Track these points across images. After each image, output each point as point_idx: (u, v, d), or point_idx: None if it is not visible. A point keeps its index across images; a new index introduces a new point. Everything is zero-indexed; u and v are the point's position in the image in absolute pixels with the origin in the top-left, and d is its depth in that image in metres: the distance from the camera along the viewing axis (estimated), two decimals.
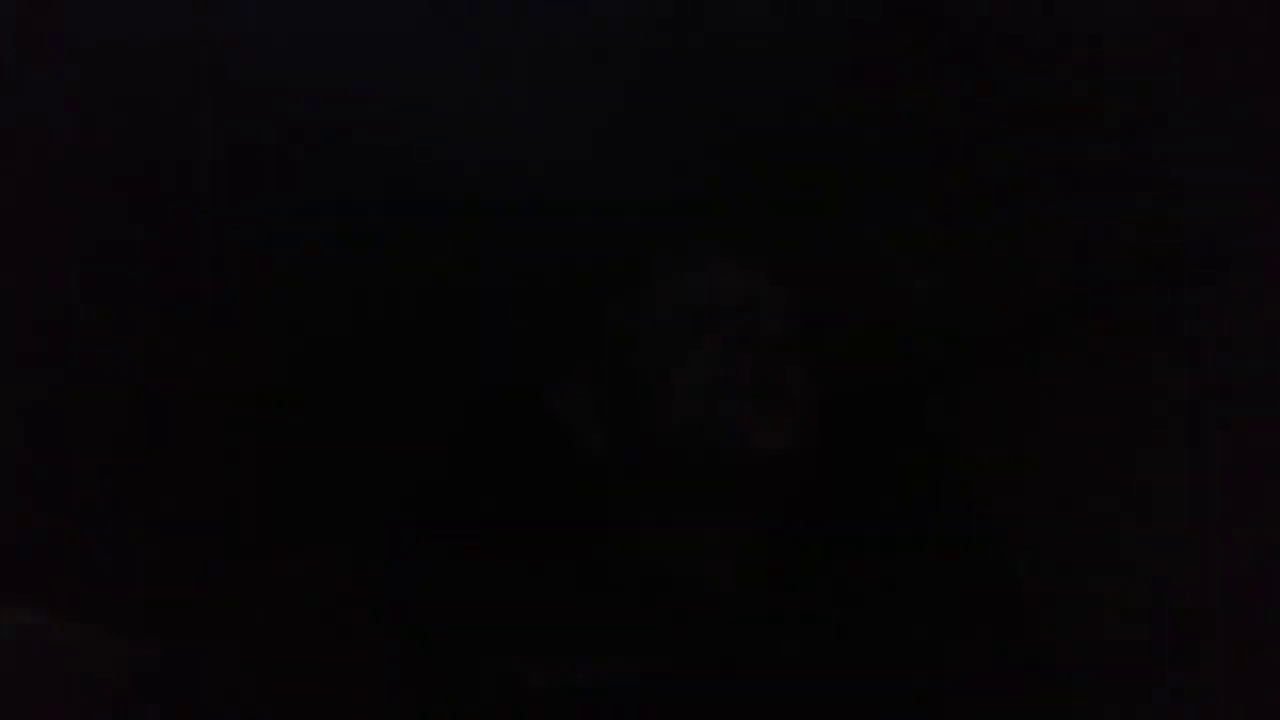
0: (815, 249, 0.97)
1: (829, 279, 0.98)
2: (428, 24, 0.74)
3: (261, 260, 0.90)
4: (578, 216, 0.90)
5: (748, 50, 0.79)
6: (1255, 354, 0.98)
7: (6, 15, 0.67)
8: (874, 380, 1.19)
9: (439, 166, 0.85)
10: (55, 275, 0.88)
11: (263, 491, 1.05)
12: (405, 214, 0.88)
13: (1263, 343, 0.97)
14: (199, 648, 0.65)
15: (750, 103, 0.84)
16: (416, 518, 0.80)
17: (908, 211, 0.96)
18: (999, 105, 0.84)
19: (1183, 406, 1.03)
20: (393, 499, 0.96)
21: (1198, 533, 0.97)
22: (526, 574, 0.60)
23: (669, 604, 0.63)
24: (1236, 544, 0.94)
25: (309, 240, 0.90)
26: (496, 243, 0.92)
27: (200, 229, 0.87)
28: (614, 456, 0.72)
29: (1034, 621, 0.99)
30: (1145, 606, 0.99)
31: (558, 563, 0.66)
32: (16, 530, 1.04)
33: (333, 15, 0.72)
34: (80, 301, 0.91)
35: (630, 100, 0.82)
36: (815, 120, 0.86)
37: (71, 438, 1.02)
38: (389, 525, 0.84)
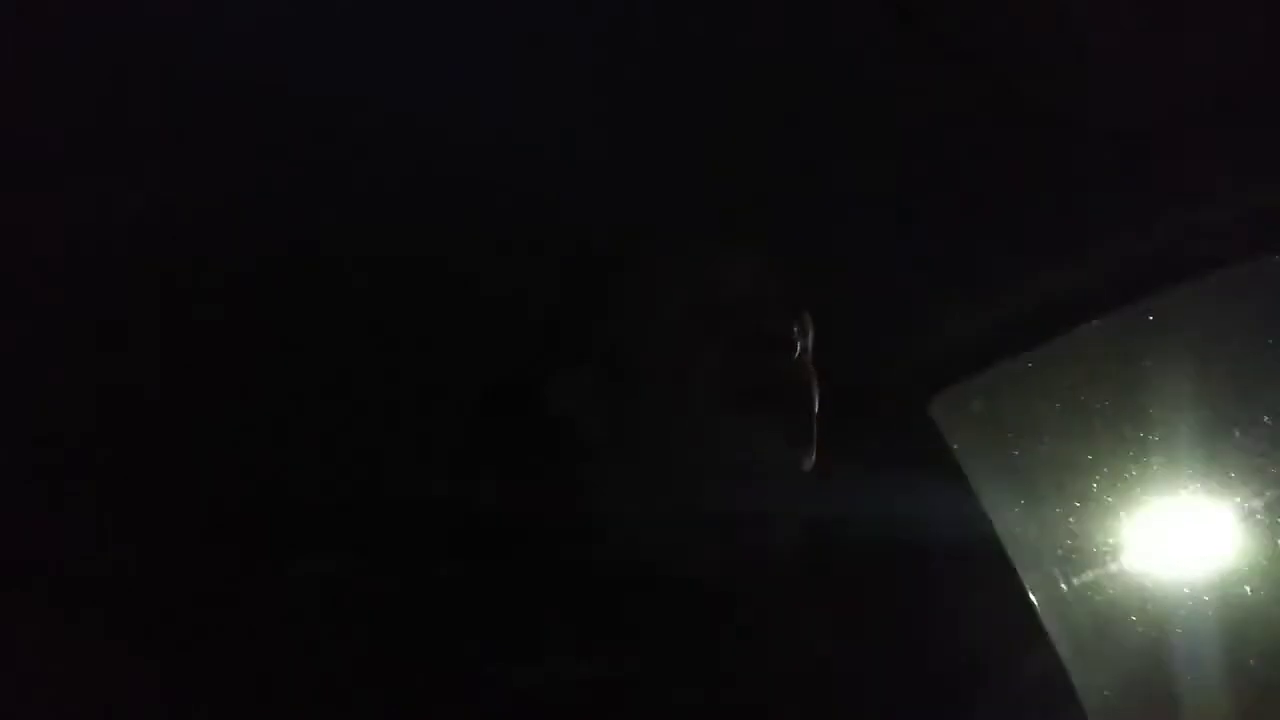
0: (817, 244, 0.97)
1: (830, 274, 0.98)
2: (426, 18, 0.74)
3: (255, 257, 0.90)
4: (582, 207, 0.90)
5: (751, 42, 0.79)
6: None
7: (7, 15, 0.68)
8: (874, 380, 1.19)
9: (439, 159, 0.84)
10: (54, 273, 0.89)
11: (251, 492, 1.05)
12: (405, 207, 0.88)
13: None
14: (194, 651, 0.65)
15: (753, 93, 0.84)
16: (406, 514, 0.80)
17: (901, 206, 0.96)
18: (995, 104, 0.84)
19: None
20: (383, 496, 0.95)
21: None
22: (513, 571, 0.60)
23: (657, 603, 0.62)
24: None
25: (306, 234, 0.89)
26: (499, 234, 0.91)
27: (196, 221, 0.86)
28: (612, 452, 0.72)
29: None
30: None
31: (545, 559, 0.65)
32: (17, 531, 1.04)
33: (323, 12, 0.72)
34: (84, 300, 0.92)
35: (633, 92, 0.82)
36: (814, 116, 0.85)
37: (76, 439, 1.02)
38: (377, 523, 0.83)
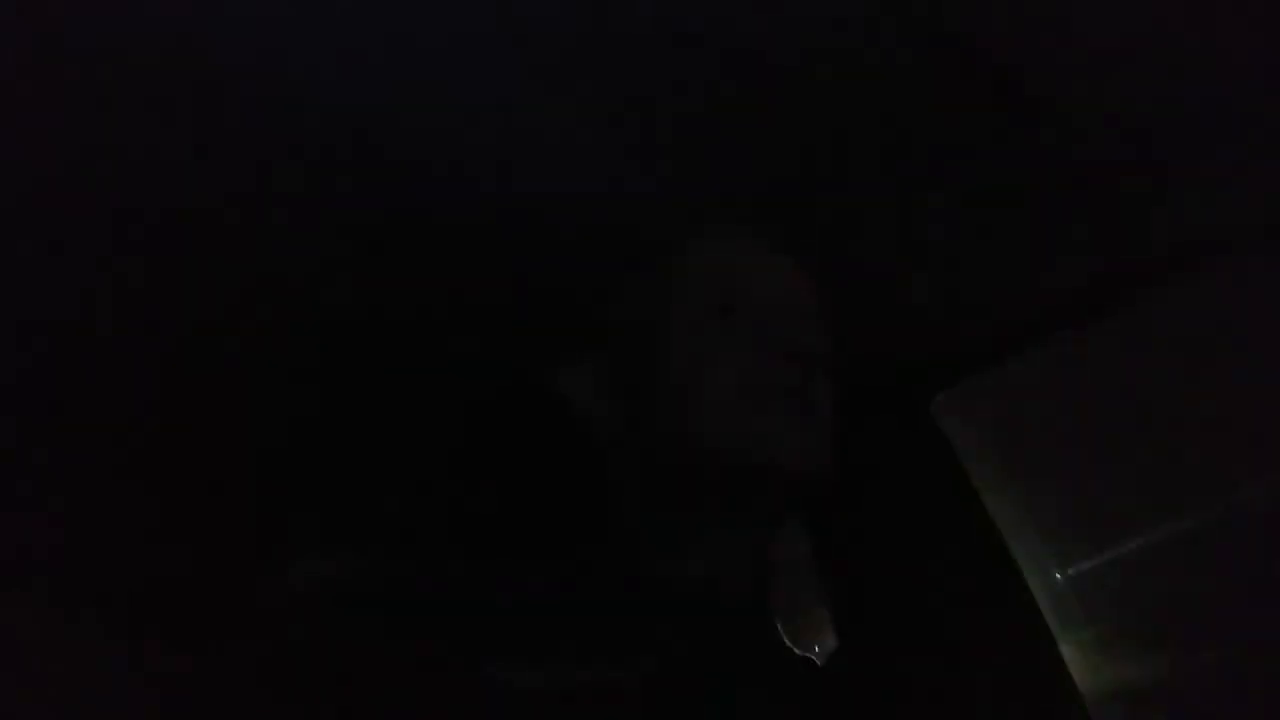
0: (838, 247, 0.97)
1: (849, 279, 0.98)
2: (433, 25, 0.73)
3: (272, 252, 0.90)
4: (608, 204, 0.90)
5: (747, 46, 0.79)
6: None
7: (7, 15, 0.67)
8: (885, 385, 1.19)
9: (459, 157, 0.84)
10: (59, 273, 0.89)
11: (263, 490, 1.05)
12: (429, 206, 0.88)
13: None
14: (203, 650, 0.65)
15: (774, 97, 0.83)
16: (415, 516, 0.79)
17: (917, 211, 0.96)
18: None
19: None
20: (391, 497, 0.95)
21: None
22: (519, 573, 0.60)
23: (662, 607, 0.62)
24: None
25: (319, 233, 0.89)
26: (528, 228, 0.91)
27: (211, 225, 0.86)
28: (623, 447, 0.71)
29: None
30: None
31: (550, 562, 0.65)
32: (20, 530, 1.04)
33: (327, 18, 0.71)
34: (86, 301, 0.91)
35: (657, 96, 0.81)
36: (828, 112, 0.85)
37: (77, 439, 1.02)
38: (385, 525, 0.83)
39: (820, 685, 0.63)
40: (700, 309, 0.70)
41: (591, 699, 0.50)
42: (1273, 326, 0.96)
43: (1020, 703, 0.98)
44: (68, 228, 0.85)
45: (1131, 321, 1.05)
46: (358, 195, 0.86)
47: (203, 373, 0.99)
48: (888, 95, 0.84)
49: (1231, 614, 1.04)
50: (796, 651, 0.66)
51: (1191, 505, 1.09)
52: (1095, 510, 1.21)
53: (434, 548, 0.62)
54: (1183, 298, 1.01)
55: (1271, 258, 0.97)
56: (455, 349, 0.99)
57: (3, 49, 0.70)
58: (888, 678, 0.70)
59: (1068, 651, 1.06)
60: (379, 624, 0.55)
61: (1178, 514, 1.16)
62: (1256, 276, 0.97)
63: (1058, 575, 1.25)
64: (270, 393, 1.02)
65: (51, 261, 0.87)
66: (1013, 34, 0.79)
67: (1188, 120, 0.86)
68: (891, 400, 1.21)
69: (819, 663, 0.66)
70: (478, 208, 0.88)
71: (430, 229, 0.90)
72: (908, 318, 1.11)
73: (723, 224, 0.78)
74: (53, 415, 0.99)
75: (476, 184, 0.86)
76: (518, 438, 0.74)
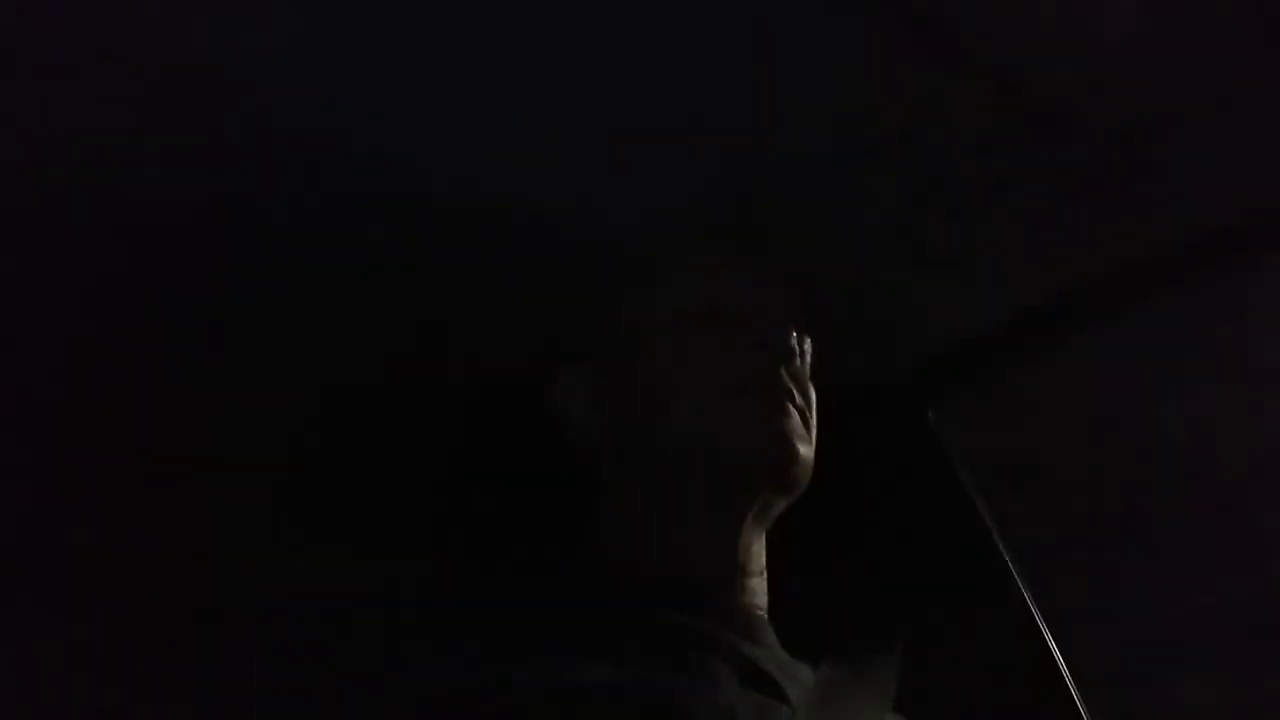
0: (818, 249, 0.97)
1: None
2: (436, 26, 0.74)
3: (263, 257, 0.90)
4: (587, 212, 0.90)
5: (752, 44, 0.79)
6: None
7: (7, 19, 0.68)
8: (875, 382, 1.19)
9: (446, 164, 0.85)
10: (61, 276, 0.89)
11: (259, 492, 1.05)
12: (412, 212, 0.88)
13: None
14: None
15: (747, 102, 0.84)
16: (408, 513, 0.80)
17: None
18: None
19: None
20: (386, 496, 0.95)
21: None
22: (514, 571, 0.61)
23: (657, 604, 0.62)
24: None
25: (309, 237, 0.90)
26: (506, 239, 0.91)
27: (204, 227, 0.87)
28: (612, 450, 0.72)
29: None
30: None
31: (545, 559, 0.66)
32: (19, 530, 1.04)
33: (323, 22, 0.72)
34: (84, 302, 0.92)
35: (637, 97, 0.82)
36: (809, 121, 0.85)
37: (77, 439, 1.02)
38: (378, 522, 0.84)
39: (814, 686, 0.63)
40: (686, 311, 0.72)
41: (591, 699, 0.50)
42: (1274, 327, 0.96)
43: (1012, 698, 0.99)
44: (70, 229, 0.85)
45: (1131, 324, 1.05)
46: (356, 196, 0.86)
47: (203, 373, 0.99)
48: (886, 95, 0.83)
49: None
50: (786, 651, 0.67)
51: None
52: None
53: (433, 548, 0.63)
54: (1183, 299, 1.01)
55: (1272, 258, 0.96)
56: (453, 353, 1.00)
57: (2, 49, 0.70)
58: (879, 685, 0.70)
59: None
60: (379, 623, 0.56)
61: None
62: (1256, 278, 0.97)
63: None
64: (271, 393, 1.02)
65: (50, 263, 0.87)
66: (1013, 35, 0.79)
67: (1187, 120, 0.86)
68: (890, 406, 1.21)
69: (812, 663, 0.67)
70: (477, 212, 0.88)
71: (429, 232, 0.90)
72: (907, 318, 1.11)
73: (711, 230, 0.79)
74: (52, 416, 0.99)
75: (476, 187, 0.86)
76: (514, 443, 0.75)
